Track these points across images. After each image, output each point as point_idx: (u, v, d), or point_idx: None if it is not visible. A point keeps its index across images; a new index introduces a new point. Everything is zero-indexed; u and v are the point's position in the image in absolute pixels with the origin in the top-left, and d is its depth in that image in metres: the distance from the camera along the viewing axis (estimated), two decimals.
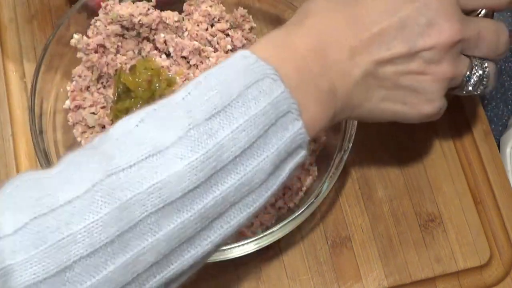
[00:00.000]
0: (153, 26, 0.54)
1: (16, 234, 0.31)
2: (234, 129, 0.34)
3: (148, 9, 0.54)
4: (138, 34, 0.54)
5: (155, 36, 0.54)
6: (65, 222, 0.31)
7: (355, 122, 0.51)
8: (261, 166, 0.35)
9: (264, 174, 0.35)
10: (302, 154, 0.38)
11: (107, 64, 0.54)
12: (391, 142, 0.59)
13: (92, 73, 0.55)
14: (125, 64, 0.53)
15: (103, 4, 0.54)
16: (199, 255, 0.34)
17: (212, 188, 0.33)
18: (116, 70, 0.53)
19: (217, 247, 0.36)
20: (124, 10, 0.53)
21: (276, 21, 0.58)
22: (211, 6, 0.55)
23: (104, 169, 0.32)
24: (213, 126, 0.34)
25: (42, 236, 0.31)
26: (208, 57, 0.53)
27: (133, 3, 0.54)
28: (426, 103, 0.42)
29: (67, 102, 0.55)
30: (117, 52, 0.54)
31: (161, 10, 0.54)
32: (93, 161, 0.33)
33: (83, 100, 0.54)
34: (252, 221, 0.52)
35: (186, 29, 0.54)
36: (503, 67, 0.65)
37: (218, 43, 0.54)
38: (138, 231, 0.32)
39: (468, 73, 0.43)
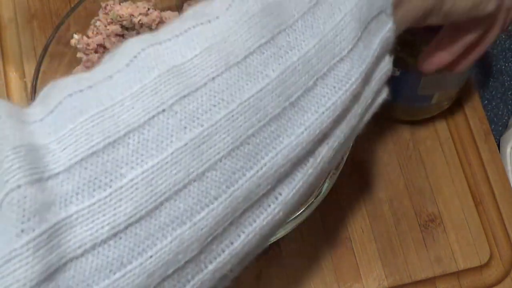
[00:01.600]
0: (153, 26, 0.54)
1: (48, 116, 0.25)
2: None
3: (148, 9, 0.54)
4: (138, 34, 0.54)
5: None
6: (106, 93, 0.25)
7: None
8: (342, 25, 0.28)
9: (348, 33, 0.28)
10: (389, 24, 0.31)
11: None
12: (391, 142, 0.59)
13: None
14: None
15: (103, 4, 0.54)
16: (296, 145, 0.27)
17: (287, 52, 0.27)
18: None
19: (316, 141, 0.28)
20: (124, 10, 0.53)
21: None
22: None
23: (146, 43, 0.27)
24: None
25: (80, 110, 0.25)
26: None
27: (134, 3, 0.54)
28: None
29: None
30: None
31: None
32: (135, 41, 0.28)
33: None
34: None
35: None
36: (503, 67, 0.65)
37: None
38: (202, 95, 0.25)
39: None
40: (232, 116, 0.26)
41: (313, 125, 0.28)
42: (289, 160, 0.27)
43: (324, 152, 0.29)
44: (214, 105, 0.26)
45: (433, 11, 0.34)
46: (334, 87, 0.28)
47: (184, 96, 0.25)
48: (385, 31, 0.31)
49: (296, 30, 0.28)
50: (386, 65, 0.32)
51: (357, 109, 0.30)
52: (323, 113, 0.28)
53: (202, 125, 0.25)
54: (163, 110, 0.25)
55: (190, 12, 0.29)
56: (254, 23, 0.27)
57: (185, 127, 0.25)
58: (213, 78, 0.26)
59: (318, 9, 0.28)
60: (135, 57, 0.26)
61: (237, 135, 0.26)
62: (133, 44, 0.27)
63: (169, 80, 0.25)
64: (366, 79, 0.30)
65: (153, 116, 0.25)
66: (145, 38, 0.27)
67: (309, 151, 0.28)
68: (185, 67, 0.26)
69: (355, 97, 0.30)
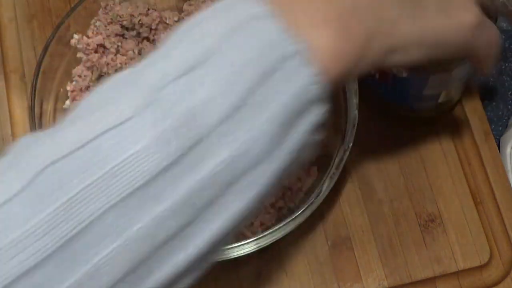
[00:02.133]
0: (153, 26, 0.54)
1: (18, 195, 0.25)
2: (211, 89, 0.25)
3: (148, 9, 0.54)
4: (138, 34, 0.54)
5: (155, 36, 0.54)
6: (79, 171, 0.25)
7: (355, 122, 0.51)
8: (258, 135, 0.26)
9: (264, 144, 0.26)
10: (316, 112, 0.28)
11: (107, 64, 0.54)
12: (391, 142, 0.59)
13: (92, 73, 0.55)
14: (125, 64, 0.53)
15: (103, 4, 0.54)
16: (194, 256, 0.27)
17: (194, 168, 0.25)
18: (116, 70, 0.53)
19: (216, 246, 0.27)
20: (124, 10, 0.53)
21: None
22: None
23: (47, 160, 0.25)
24: (184, 87, 0.26)
25: (49, 193, 0.25)
26: None
27: (134, 3, 0.54)
28: (462, 10, 0.34)
29: (67, 102, 0.55)
30: (117, 52, 0.54)
31: None
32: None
33: None
34: (252, 221, 0.52)
35: None
36: (503, 67, 0.65)
37: None
38: (91, 236, 0.25)
39: None
40: (126, 241, 0.25)
41: (215, 231, 0.27)
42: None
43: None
44: (95, 244, 0.25)
45: (379, 64, 0.32)
46: (242, 194, 0.27)
47: (76, 234, 0.24)
48: (311, 117, 0.28)
49: (218, 136, 0.26)
50: (309, 148, 0.30)
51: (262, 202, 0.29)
52: (225, 220, 0.27)
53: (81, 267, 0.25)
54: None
55: (94, 101, 0.27)
56: (164, 142, 0.25)
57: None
58: (107, 210, 0.25)
59: (238, 113, 0.26)
60: (23, 187, 0.25)
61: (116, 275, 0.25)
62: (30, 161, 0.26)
63: (62, 215, 0.24)
64: (277, 175, 0.28)
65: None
66: (44, 151, 0.26)
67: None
68: (77, 198, 0.25)
69: (263, 194, 0.28)
